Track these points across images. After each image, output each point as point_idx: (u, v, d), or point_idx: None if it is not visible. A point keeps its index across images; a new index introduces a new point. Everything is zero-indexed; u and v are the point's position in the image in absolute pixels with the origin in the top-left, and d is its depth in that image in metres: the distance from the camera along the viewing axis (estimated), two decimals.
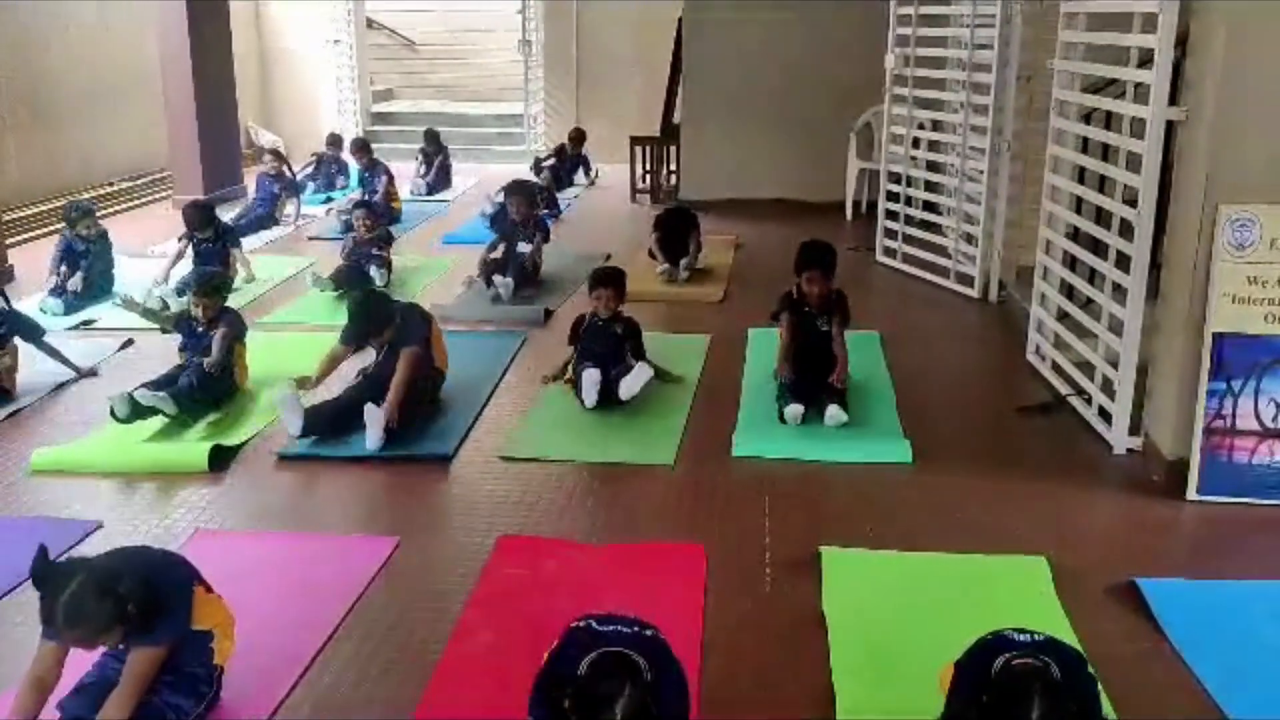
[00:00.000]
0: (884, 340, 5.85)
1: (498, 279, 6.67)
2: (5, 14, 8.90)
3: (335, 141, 10.78)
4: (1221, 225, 3.85)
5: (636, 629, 2.53)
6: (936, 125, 7.54)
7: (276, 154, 9.24)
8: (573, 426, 4.72)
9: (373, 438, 4.42)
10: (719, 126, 9.76)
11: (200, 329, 5.12)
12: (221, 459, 4.36)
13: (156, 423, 4.66)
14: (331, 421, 4.59)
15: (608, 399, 4.82)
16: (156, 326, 5.58)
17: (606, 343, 5.12)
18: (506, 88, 13.99)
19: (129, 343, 5.87)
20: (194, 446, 4.44)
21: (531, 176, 10.04)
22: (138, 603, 2.49)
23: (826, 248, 5.14)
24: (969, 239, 6.89)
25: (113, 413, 4.55)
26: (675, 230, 7.46)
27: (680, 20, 9.95)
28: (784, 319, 5.02)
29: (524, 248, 7.03)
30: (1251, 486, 3.95)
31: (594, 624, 2.54)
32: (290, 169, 9.36)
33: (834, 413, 4.61)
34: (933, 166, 7.43)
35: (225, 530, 3.84)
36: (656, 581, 3.41)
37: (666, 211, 7.81)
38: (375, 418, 4.44)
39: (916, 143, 7.47)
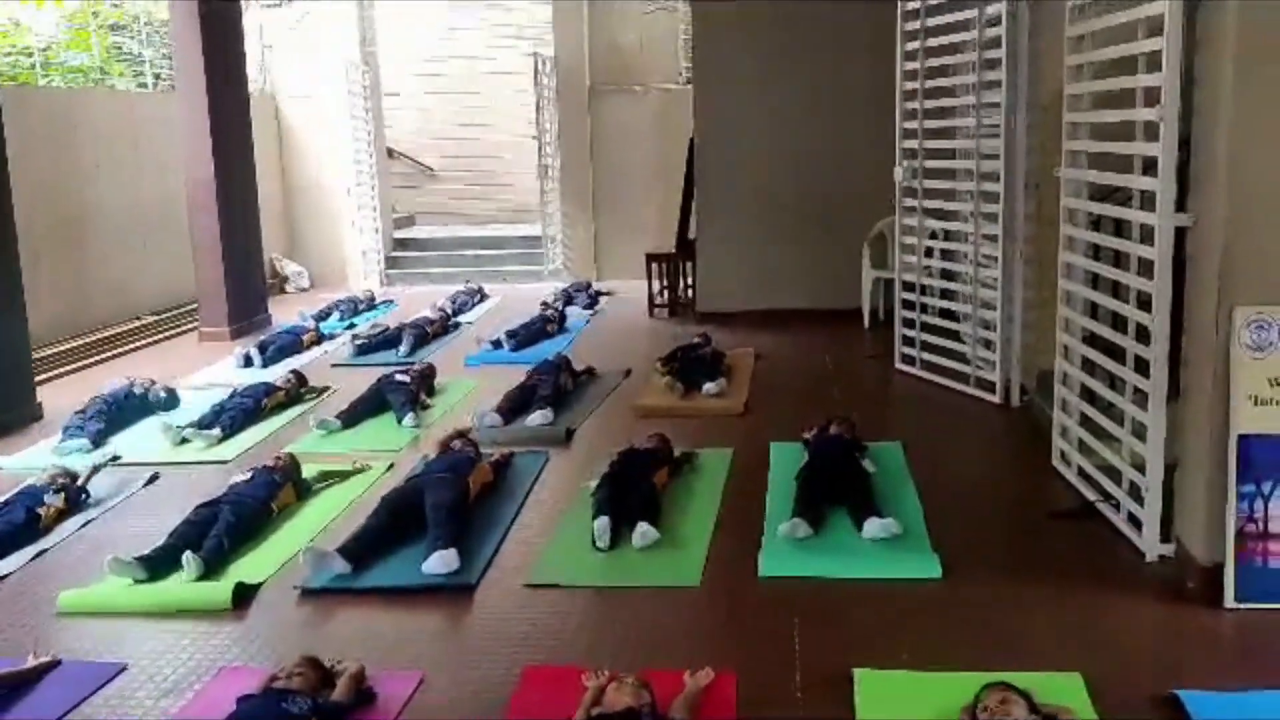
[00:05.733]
0: (907, 449, 5.82)
1: (539, 414, 6.67)
2: (36, 155, 9.20)
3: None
4: (1238, 327, 3.85)
5: None
6: (948, 234, 7.62)
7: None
8: (596, 550, 4.68)
9: (435, 568, 4.42)
10: (733, 240, 9.90)
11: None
12: (244, 596, 4.35)
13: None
14: (372, 547, 4.64)
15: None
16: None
17: (638, 467, 5.23)
18: (525, 209, 14.29)
19: (154, 478, 5.91)
20: (217, 585, 4.43)
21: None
22: None
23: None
24: (987, 345, 6.90)
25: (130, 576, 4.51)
26: (693, 365, 7.51)
27: (691, 141, 10.19)
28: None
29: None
30: None
31: None
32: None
33: (876, 526, 4.61)
34: (947, 274, 7.49)
35: (250, 667, 3.81)
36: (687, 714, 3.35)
37: (682, 349, 7.89)
38: (450, 559, 4.46)
39: (930, 252, 7.54)
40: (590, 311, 10.77)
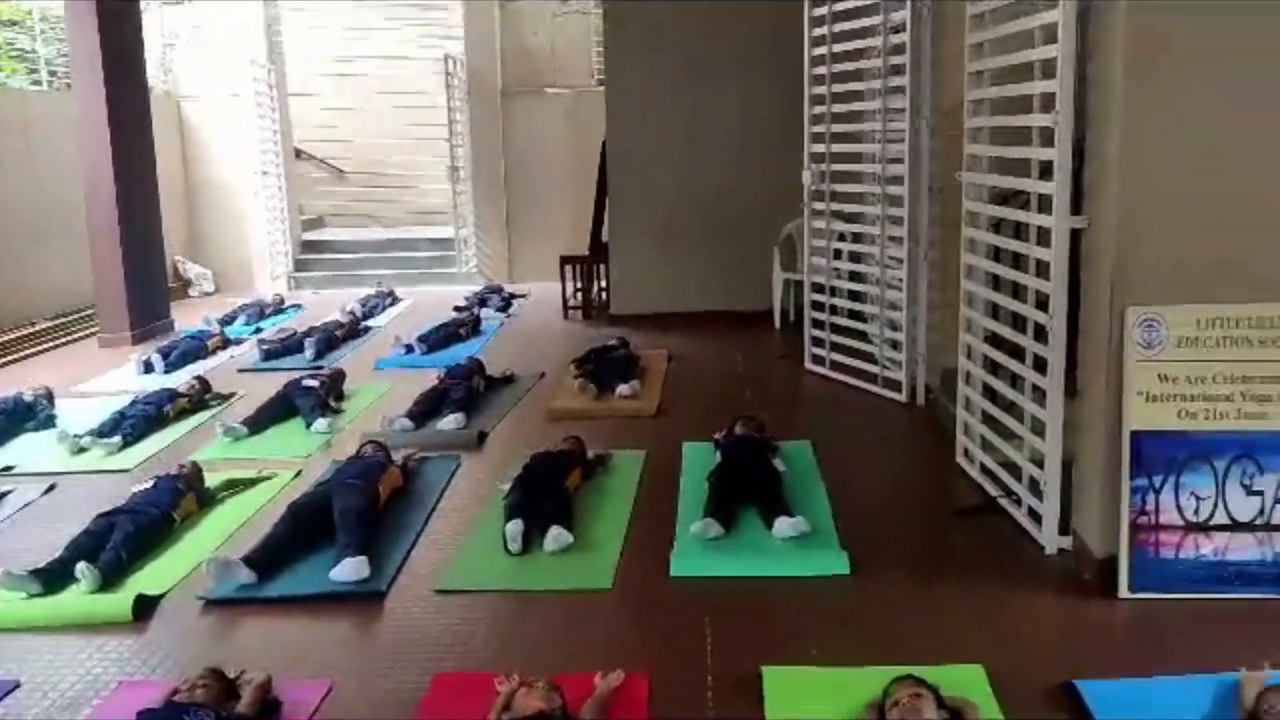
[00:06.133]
0: (816, 448, 5.90)
1: (450, 418, 6.64)
2: None
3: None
4: (1129, 326, 3.99)
5: None
6: (856, 236, 7.74)
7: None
8: (508, 554, 4.65)
9: (344, 575, 4.34)
10: (646, 242, 9.95)
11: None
12: (146, 607, 4.23)
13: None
14: (279, 555, 4.55)
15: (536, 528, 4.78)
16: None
17: (551, 470, 5.22)
18: (437, 212, 14.16)
19: (52, 487, 5.72)
20: (117, 597, 4.30)
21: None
22: None
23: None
24: (894, 345, 7.03)
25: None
26: (606, 367, 7.55)
27: (604, 144, 10.19)
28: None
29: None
30: (1181, 581, 4.01)
31: None
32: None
33: (785, 525, 4.65)
34: (855, 276, 7.61)
35: (151, 680, 3.71)
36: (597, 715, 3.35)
37: (596, 352, 7.96)
38: (360, 566, 4.38)
39: (838, 254, 7.66)
40: (504, 314, 10.72)
